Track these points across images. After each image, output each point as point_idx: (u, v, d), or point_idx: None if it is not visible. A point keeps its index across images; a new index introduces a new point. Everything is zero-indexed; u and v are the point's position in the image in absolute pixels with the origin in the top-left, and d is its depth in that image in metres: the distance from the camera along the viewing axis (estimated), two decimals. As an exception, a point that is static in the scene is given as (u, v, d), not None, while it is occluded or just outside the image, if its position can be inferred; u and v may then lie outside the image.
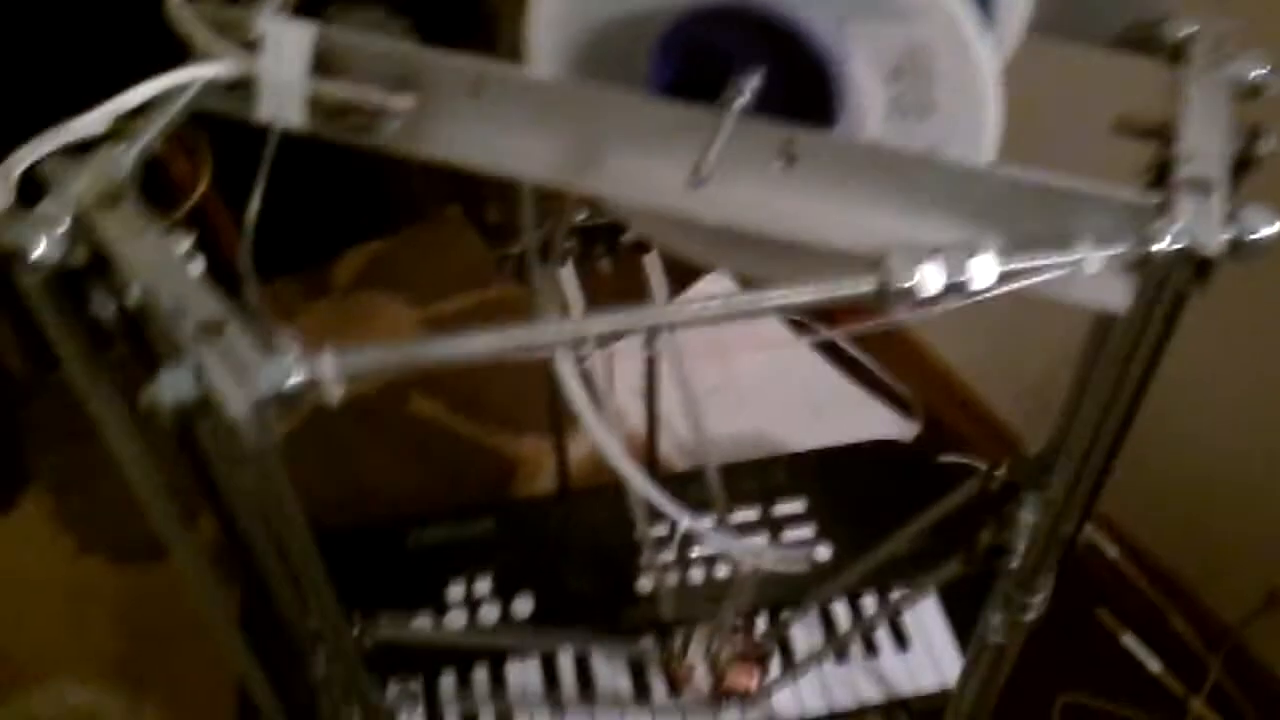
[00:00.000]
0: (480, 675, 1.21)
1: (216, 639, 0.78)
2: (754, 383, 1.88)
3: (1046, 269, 0.50)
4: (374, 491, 1.66)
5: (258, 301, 0.58)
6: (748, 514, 1.33)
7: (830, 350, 1.94)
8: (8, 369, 1.89)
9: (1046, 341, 1.09)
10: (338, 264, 2.04)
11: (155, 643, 1.57)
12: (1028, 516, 0.89)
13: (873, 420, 1.81)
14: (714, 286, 2.01)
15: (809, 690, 1.20)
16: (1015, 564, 0.86)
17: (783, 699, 1.19)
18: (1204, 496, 1.54)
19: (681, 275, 1.13)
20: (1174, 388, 0.75)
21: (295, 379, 0.45)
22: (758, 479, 1.36)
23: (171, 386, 0.44)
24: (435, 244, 2.09)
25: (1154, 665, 1.56)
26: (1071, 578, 1.57)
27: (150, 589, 1.64)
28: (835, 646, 1.23)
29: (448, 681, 1.21)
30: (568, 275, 0.88)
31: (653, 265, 0.94)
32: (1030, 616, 0.87)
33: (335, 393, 0.45)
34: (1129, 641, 1.59)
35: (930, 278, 0.49)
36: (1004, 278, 0.50)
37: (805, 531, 1.32)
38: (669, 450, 1.59)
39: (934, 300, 0.49)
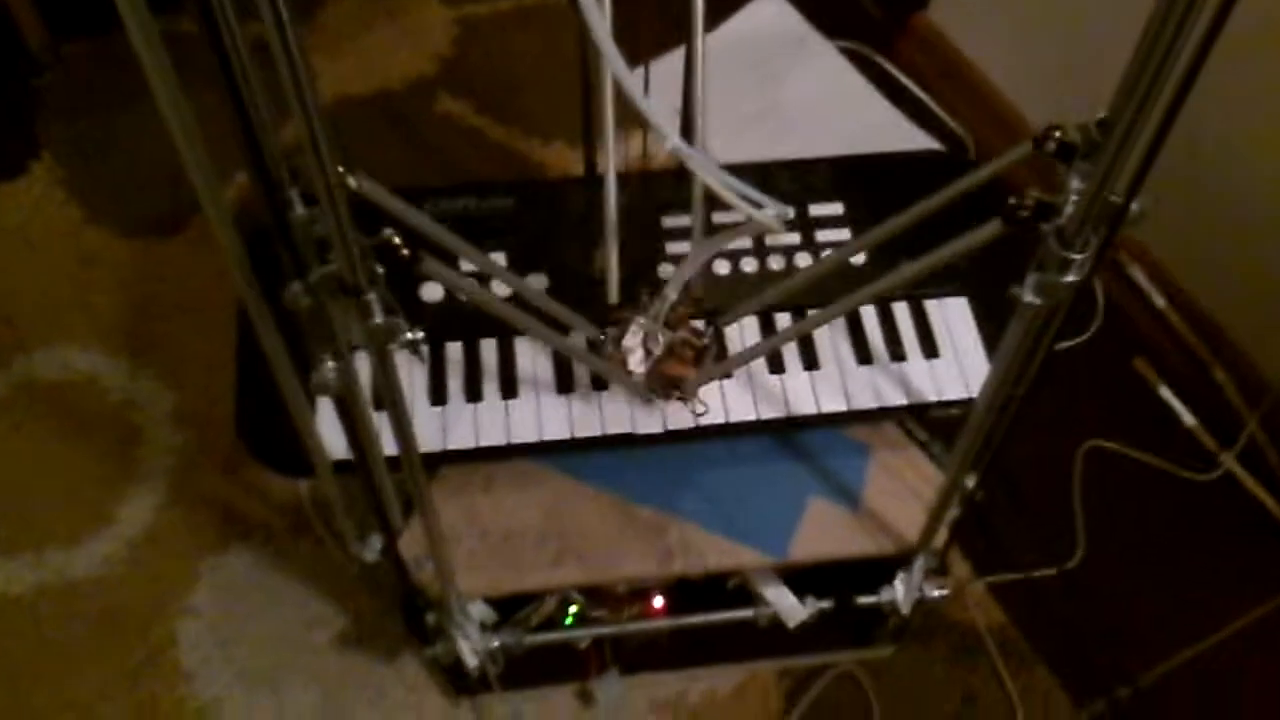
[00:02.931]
0: (488, 346, 1.17)
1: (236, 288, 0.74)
2: (800, 111, 1.79)
3: None
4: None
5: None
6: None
7: (885, 84, 1.83)
8: (24, 39, 1.81)
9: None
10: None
11: (157, 315, 1.55)
12: (1076, 183, 0.81)
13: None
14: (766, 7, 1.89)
15: (827, 388, 1.15)
16: (1061, 221, 0.79)
17: (799, 392, 1.15)
18: (1263, 249, 1.45)
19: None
20: (1237, 121, 0.68)
21: None
22: (795, 179, 1.28)
23: None
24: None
25: (1188, 418, 1.51)
26: (1111, 322, 1.51)
27: (156, 262, 1.60)
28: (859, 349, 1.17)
29: (454, 348, 1.17)
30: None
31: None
32: (1070, 278, 0.80)
33: None
34: (1165, 393, 1.53)
35: None
36: None
37: (840, 234, 1.24)
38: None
39: None
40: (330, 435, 1.01)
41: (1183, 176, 1.39)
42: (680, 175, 1.34)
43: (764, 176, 1.31)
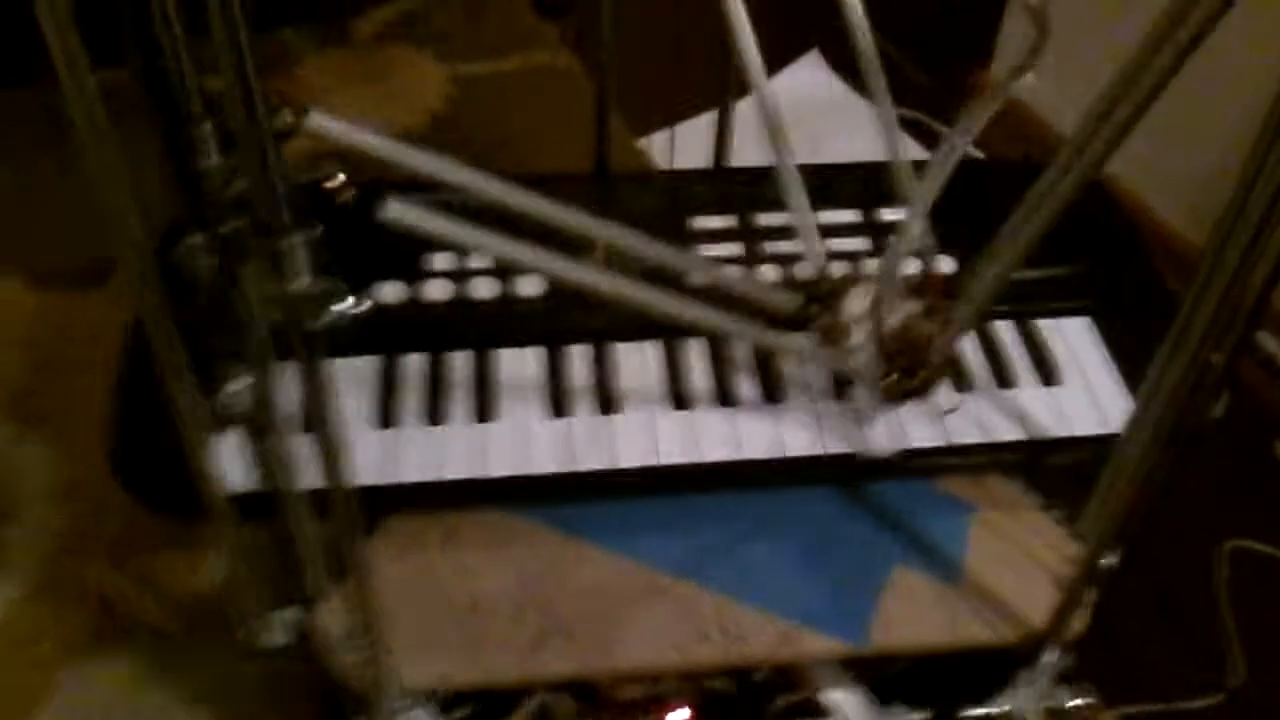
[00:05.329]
0: (461, 360, 0.88)
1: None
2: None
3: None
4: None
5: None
6: (840, 215, 0.98)
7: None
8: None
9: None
10: (360, 17, 1.73)
11: (57, 375, 1.26)
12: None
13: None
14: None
15: (913, 419, 0.85)
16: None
17: (880, 425, 0.85)
18: None
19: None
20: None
21: None
22: (862, 181, 1.01)
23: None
24: (477, 10, 1.77)
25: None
26: (1246, 406, 1.22)
27: (64, 317, 1.33)
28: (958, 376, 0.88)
29: (413, 362, 0.88)
30: None
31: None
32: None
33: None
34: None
35: None
36: None
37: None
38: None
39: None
40: (236, 468, 0.71)
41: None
42: (708, 175, 1.08)
43: (824, 176, 1.04)
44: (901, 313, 0.78)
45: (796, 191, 0.84)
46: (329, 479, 0.64)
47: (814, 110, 1.61)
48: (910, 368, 0.79)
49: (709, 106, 0.91)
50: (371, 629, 0.72)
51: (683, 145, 1.26)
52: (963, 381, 0.88)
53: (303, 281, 0.52)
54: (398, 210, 0.59)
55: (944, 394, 0.85)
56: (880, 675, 0.84)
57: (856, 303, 0.78)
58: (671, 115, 1.39)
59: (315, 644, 0.77)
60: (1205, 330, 0.63)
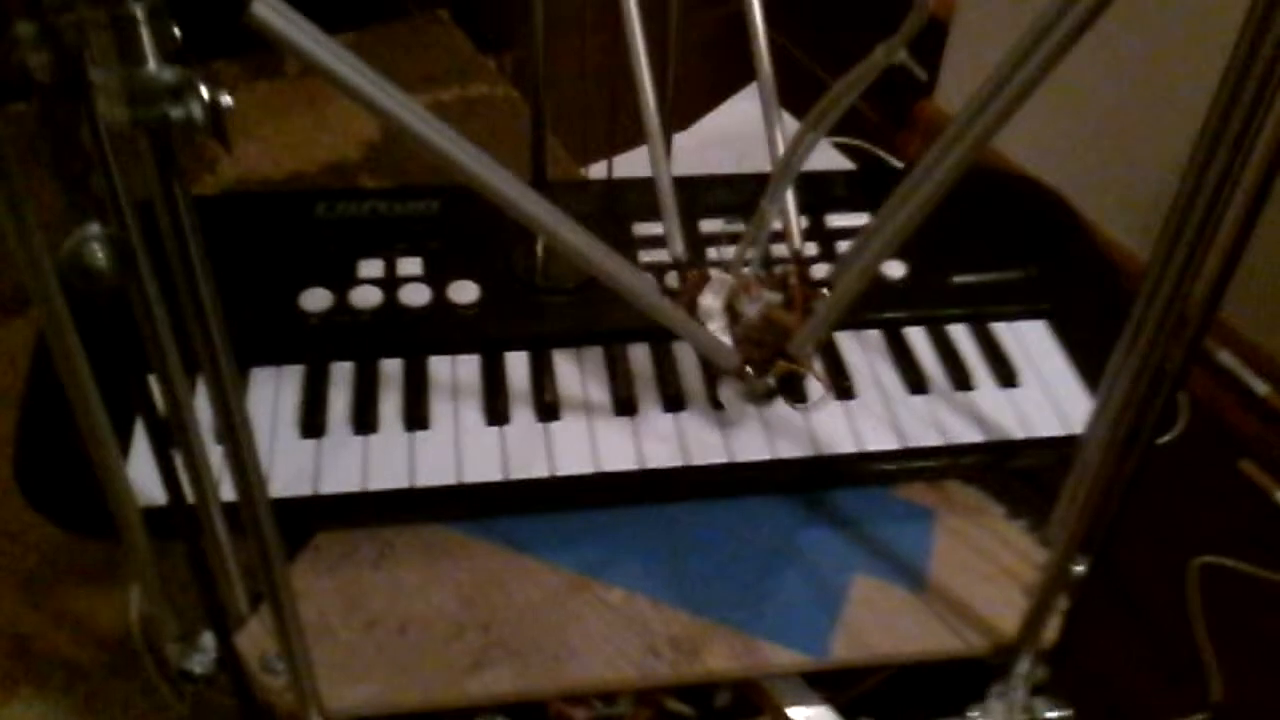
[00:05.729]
0: (391, 368, 0.83)
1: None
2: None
3: None
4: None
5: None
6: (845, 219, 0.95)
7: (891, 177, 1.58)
8: None
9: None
10: (293, 49, 1.69)
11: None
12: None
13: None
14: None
15: (869, 421, 0.81)
16: None
17: (830, 426, 0.81)
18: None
19: None
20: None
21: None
22: (812, 190, 0.98)
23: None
24: (415, 42, 1.74)
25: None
26: (1210, 424, 1.21)
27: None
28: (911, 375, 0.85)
29: (341, 370, 0.83)
30: None
31: None
32: None
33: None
34: (1281, 496, 1.20)
35: None
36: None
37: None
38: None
39: None
40: (149, 482, 0.65)
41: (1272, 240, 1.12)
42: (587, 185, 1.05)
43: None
44: (759, 303, 0.75)
45: (666, 192, 0.81)
46: (240, 488, 0.58)
47: (755, 143, 1.59)
48: (766, 361, 0.75)
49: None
50: (293, 651, 0.66)
51: (621, 173, 1.23)
52: (917, 381, 0.84)
53: (150, 68, 0.42)
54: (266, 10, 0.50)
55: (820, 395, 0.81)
56: (848, 695, 0.79)
57: (711, 297, 0.75)
58: (612, 147, 1.36)
59: (235, 669, 0.71)
60: (1158, 326, 0.61)
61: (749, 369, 0.73)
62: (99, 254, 0.44)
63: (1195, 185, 0.56)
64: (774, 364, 0.72)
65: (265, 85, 1.61)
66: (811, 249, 0.91)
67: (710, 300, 0.74)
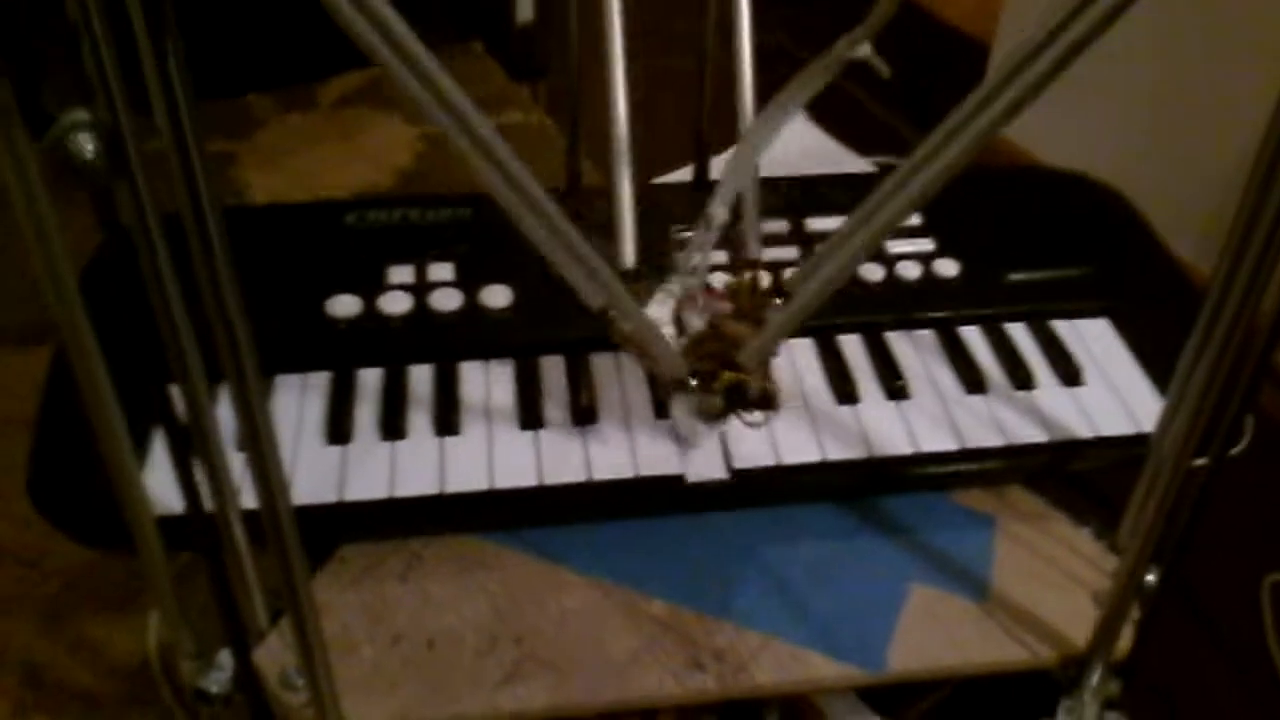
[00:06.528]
0: (420, 375, 0.79)
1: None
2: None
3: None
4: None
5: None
6: (827, 223, 0.91)
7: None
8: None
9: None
10: (326, 83, 1.68)
11: None
12: None
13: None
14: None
15: (924, 422, 0.77)
16: None
17: (883, 427, 0.76)
18: None
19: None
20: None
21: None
22: (848, 188, 0.94)
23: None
24: (449, 72, 1.72)
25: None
26: (1267, 433, 1.15)
27: (7, 373, 1.24)
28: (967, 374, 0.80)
29: (369, 376, 0.79)
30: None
31: None
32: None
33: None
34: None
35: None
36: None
37: (923, 243, 0.90)
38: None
39: None
40: (168, 492, 0.62)
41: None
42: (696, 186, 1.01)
43: (809, 183, 0.98)
44: (707, 314, 0.70)
45: (623, 199, 0.77)
46: (262, 494, 0.55)
47: (800, 163, 1.55)
48: (712, 373, 0.68)
49: (682, 163, 0.85)
50: (314, 665, 0.62)
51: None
52: (974, 381, 0.80)
53: None
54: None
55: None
56: (902, 703, 0.74)
57: (656, 308, 0.70)
58: (647, 172, 1.34)
59: (253, 686, 0.67)
60: (1231, 325, 0.56)
61: (693, 380, 0.68)
62: (87, 145, 0.40)
63: (1260, 197, 0.52)
64: (719, 376, 0.67)
65: (298, 117, 1.60)
66: (793, 253, 0.87)
67: (656, 311, 0.70)
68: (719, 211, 0.72)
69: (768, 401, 0.66)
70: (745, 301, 0.68)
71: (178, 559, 0.68)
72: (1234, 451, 1.05)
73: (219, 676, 0.69)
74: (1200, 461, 0.61)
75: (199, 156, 0.43)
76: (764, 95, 0.75)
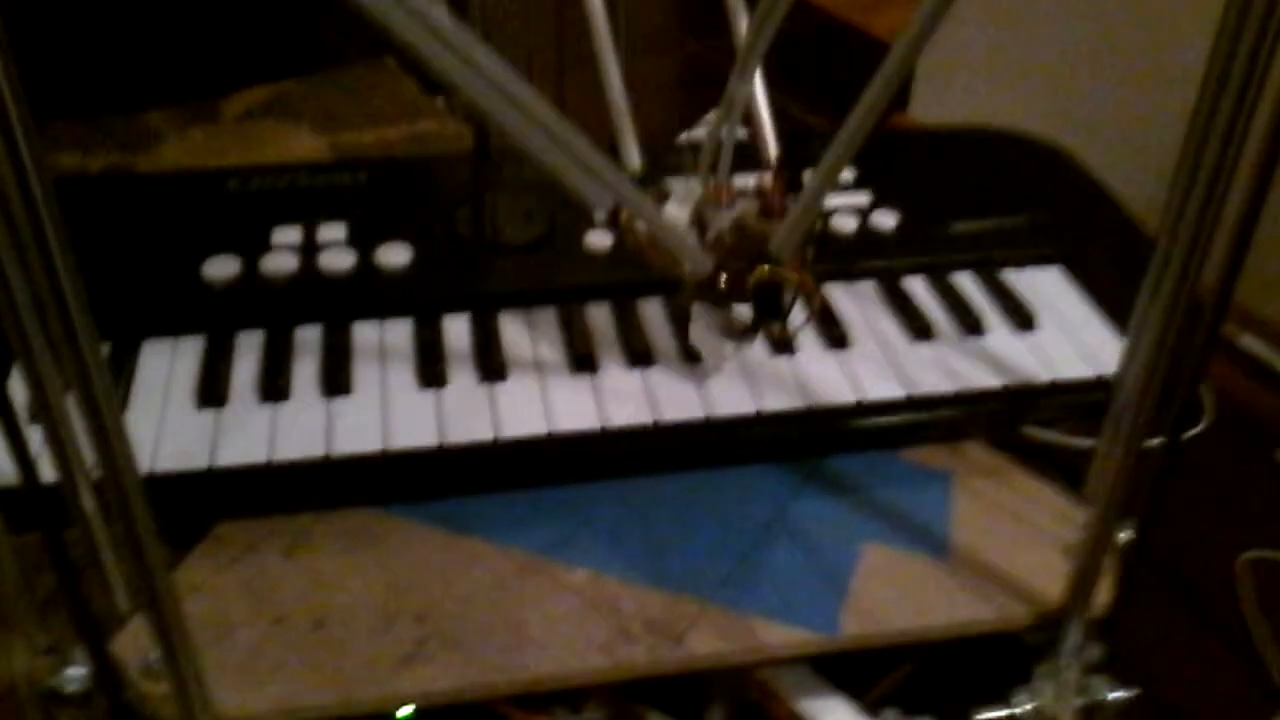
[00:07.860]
0: (309, 334, 0.71)
1: None
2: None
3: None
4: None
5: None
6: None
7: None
8: None
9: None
10: (231, 97, 1.60)
11: None
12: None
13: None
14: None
15: (869, 370, 0.70)
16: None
17: (825, 377, 0.69)
18: None
19: None
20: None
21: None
22: (789, 149, 0.88)
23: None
24: (360, 85, 1.65)
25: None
26: (1239, 416, 1.10)
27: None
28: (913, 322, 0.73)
29: (249, 339, 0.70)
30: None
31: None
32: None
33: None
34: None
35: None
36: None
37: (856, 198, 0.83)
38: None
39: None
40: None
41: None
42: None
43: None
44: (732, 212, 0.64)
45: (618, 103, 0.70)
46: (98, 442, 0.46)
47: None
48: (741, 272, 0.63)
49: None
50: (174, 648, 0.53)
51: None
52: (921, 327, 0.73)
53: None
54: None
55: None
56: (861, 674, 0.66)
57: (675, 208, 0.64)
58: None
59: (108, 678, 0.57)
60: (1183, 265, 0.51)
61: (723, 280, 0.61)
62: None
63: (1196, 155, 0.49)
64: (752, 271, 0.60)
65: (200, 131, 1.52)
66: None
67: (675, 211, 0.63)
68: (740, 90, 0.64)
69: (807, 298, 0.60)
70: (774, 197, 0.62)
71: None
72: (1193, 432, 1.00)
73: (76, 672, 0.59)
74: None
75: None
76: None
